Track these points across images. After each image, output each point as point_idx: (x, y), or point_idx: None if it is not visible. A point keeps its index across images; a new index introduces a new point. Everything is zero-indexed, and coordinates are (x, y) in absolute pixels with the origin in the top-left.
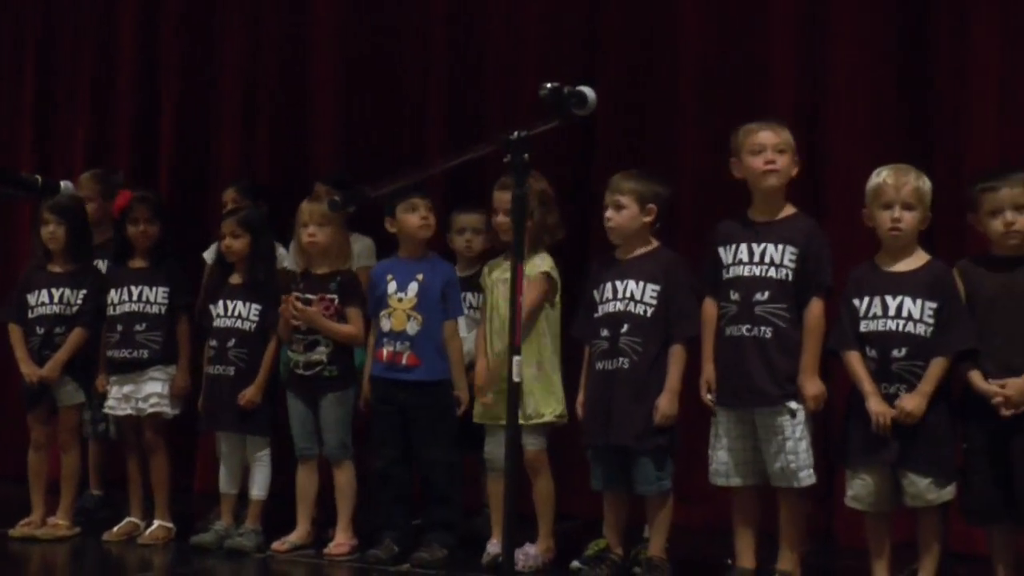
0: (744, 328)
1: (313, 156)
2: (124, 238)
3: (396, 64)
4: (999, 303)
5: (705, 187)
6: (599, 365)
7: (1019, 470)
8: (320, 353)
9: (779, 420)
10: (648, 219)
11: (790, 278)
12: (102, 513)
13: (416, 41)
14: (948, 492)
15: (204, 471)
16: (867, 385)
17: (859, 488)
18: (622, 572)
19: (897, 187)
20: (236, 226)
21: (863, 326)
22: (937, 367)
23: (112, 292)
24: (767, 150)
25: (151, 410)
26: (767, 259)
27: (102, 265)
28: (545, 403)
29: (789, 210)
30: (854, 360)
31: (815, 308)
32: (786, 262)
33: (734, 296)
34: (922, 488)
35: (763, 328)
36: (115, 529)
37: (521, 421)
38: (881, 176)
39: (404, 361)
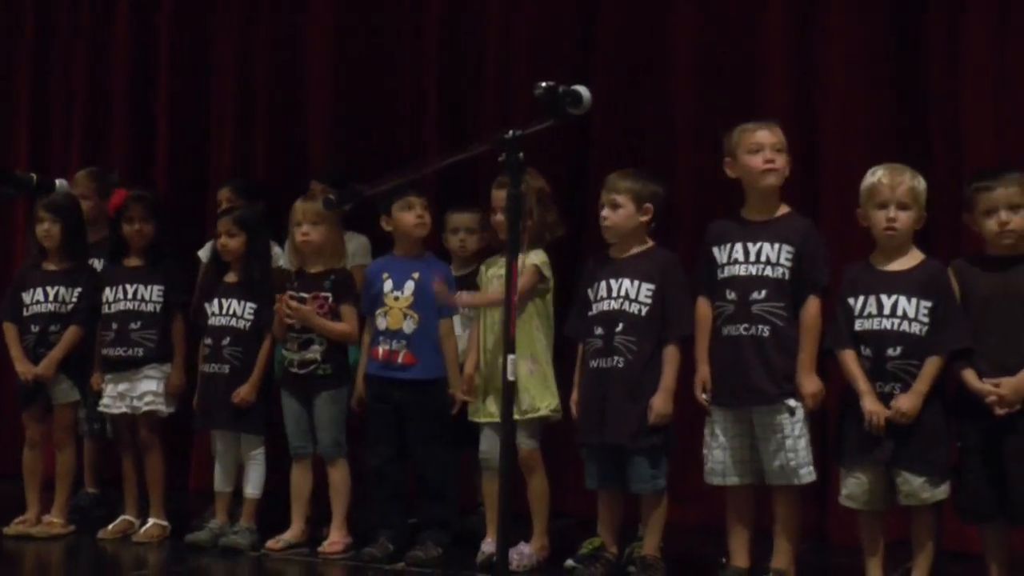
0: (742, 327)
1: (309, 155)
2: (119, 236)
3: (392, 63)
4: (993, 303)
5: (701, 187)
6: (593, 363)
7: (1013, 469)
8: (314, 352)
9: (778, 418)
10: (644, 218)
11: (787, 277)
12: (97, 511)
13: (412, 40)
14: (942, 491)
15: (199, 469)
16: (862, 384)
17: (853, 487)
18: (616, 571)
19: (892, 187)
20: (232, 225)
21: (858, 325)
22: (932, 366)
23: (107, 290)
24: (765, 149)
25: (146, 408)
26: (763, 258)
27: (98, 264)
28: (541, 397)
29: (784, 209)
30: (849, 359)
31: (812, 307)
32: (782, 261)
33: (730, 296)
34: (916, 487)
35: (761, 327)
36: (110, 527)
37: (517, 416)
38: (876, 175)
39: (400, 360)
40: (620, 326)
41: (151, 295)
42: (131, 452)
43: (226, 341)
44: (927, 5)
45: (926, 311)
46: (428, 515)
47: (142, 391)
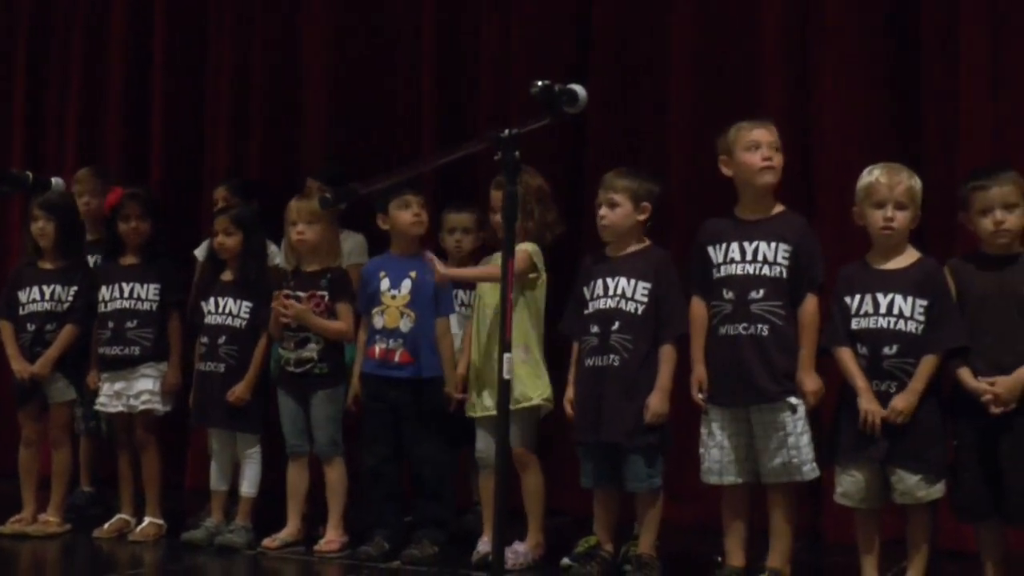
0: (741, 327)
1: (306, 155)
2: (115, 235)
3: (390, 63)
4: (989, 301)
5: (697, 186)
6: (589, 361)
7: (1008, 467)
8: (311, 350)
9: (780, 417)
10: (642, 217)
11: (784, 275)
12: (93, 510)
13: (410, 40)
14: (938, 489)
15: (195, 468)
16: (860, 381)
17: (849, 485)
18: (612, 569)
19: (891, 186)
20: (229, 223)
21: (854, 324)
22: (928, 365)
23: (103, 289)
24: (763, 147)
25: (142, 407)
26: (760, 257)
27: (101, 262)
28: (533, 387)
29: (778, 208)
30: (846, 357)
31: (810, 304)
32: (779, 259)
33: (728, 295)
34: (911, 485)
35: (760, 326)
36: (106, 526)
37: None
38: (874, 175)
39: (397, 358)
40: (616, 324)
41: (147, 293)
42: (127, 451)
43: (222, 340)
44: (925, 5)
45: (922, 310)
46: (424, 514)
47: (138, 390)
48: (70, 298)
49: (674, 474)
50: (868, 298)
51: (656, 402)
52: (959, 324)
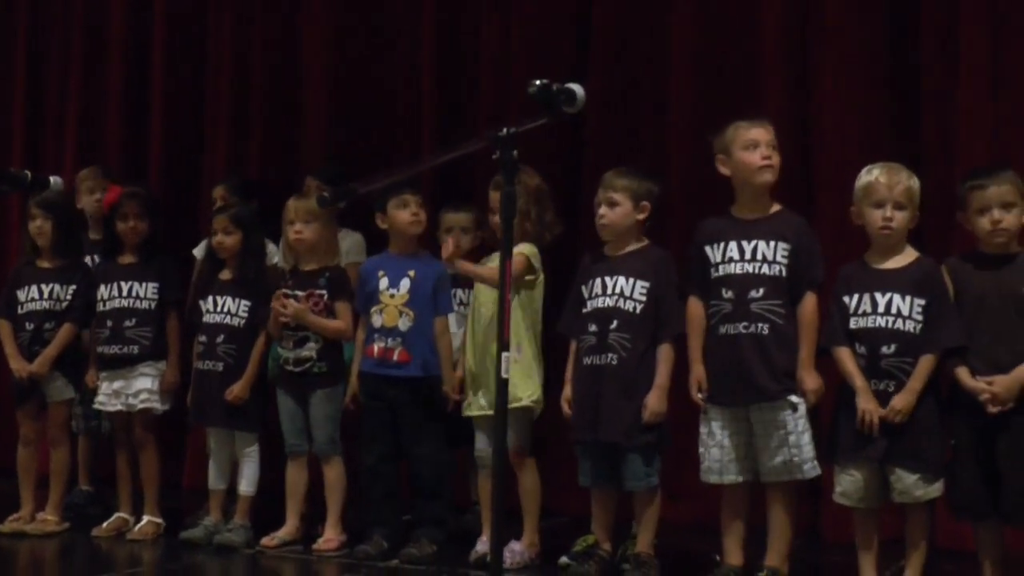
0: (740, 326)
1: (305, 154)
2: (114, 234)
3: (388, 62)
4: (987, 301)
5: (695, 185)
6: (587, 360)
7: (1006, 467)
8: (310, 349)
9: (781, 415)
10: (641, 216)
11: (783, 274)
12: (91, 509)
13: (409, 40)
14: (936, 488)
15: (193, 467)
16: (859, 381)
17: (847, 484)
18: (610, 568)
19: (890, 186)
20: (228, 223)
21: (853, 323)
22: (926, 364)
23: (102, 288)
24: (761, 146)
25: (141, 406)
26: (759, 256)
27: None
28: (523, 387)
29: (776, 207)
30: (845, 356)
31: (809, 303)
32: (779, 258)
33: (727, 294)
34: (910, 484)
35: (760, 325)
36: (104, 525)
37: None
38: (873, 174)
39: (395, 357)
40: (614, 323)
41: (146, 292)
42: (126, 450)
43: (220, 338)
44: (925, 5)
45: (920, 309)
46: (423, 513)
47: (137, 388)
48: (68, 297)
49: (672, 473)
50: (866, 297)
51: (654, 401)
52: (957, 323)
